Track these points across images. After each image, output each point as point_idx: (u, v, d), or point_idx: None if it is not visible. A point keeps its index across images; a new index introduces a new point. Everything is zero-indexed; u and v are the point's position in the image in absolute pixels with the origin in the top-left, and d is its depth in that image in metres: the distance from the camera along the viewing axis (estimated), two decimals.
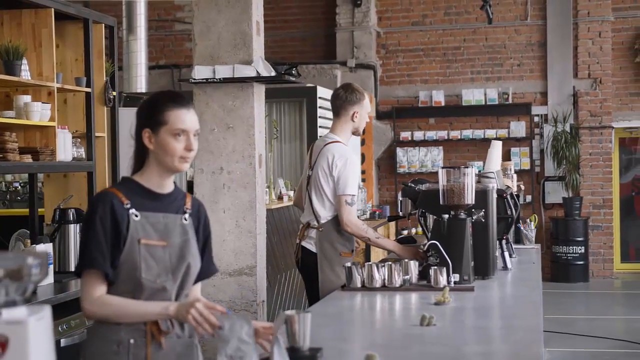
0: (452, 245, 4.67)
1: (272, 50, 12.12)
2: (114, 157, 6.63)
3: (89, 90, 6.20)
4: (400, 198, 5.55)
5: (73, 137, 6.09)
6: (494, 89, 13.78)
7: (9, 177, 9.63)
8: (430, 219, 5.25)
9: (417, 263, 4.73)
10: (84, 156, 6.19)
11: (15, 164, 5.44)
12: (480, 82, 13.96)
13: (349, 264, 4.68)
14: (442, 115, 13.97)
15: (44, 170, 6.00)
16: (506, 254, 5.48)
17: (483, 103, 13.77)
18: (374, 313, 4.27)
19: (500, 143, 6.26)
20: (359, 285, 4.59)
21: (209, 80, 6.02)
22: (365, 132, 10.31)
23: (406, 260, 4.74)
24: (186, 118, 3.04)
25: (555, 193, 13.63)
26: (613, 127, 13.63)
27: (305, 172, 5.60)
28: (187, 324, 2.98)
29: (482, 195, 4.92)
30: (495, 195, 5.14)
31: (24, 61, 5.60)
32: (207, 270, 3.22)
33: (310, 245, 5.37)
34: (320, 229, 5.32)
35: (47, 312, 1.93)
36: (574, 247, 13.18)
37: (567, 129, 13.38)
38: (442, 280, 4.52)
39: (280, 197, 8.93)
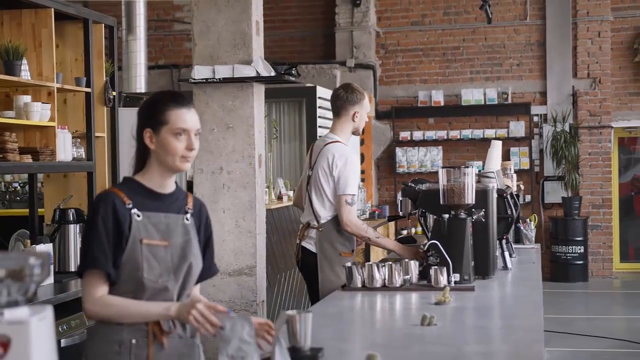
0: (452, 245, 4.67)
1: (271, 50, 12.12)
2: (114, 157, 6.63)
3: (88, 90, 6.20)
4: (400, 198, 5.55)
5: (73, 137, 6.09)
6: (493, 89, 13.79)
7: (8, 178, 9.63)
8: (431, 218, 5.26)
9: (417, 263, 4.73)
10: (83, 156, 6.19)
11: (15, 164, 5.44)
12: (479, 82, 13.96)
13: (349, 264, 4.68)
14: (441, 115, 13.97)
15: (44, 171, 6.00)
16: (506, 253, 5.48)
17: (482, 103, 13.77)
18: (374, 313, 4.27)
19: (500, 143, 6.26)
20: (359, 285, 4.59)
21: (209, 80, 6.02)
22: (364, 132, 10.33)
23: (406, 260, 4.74)
24: (187, 117, 3.04)
25: (554, 193, 13.64)
26: (612, 127, 13.63)
27: (305, 172, 5.60)
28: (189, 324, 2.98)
29: (482, 195, 4.93)
30: (495, 195, 5.14)
31: (24, 61, 5.60)
32: (209, 270, 3.22)
33: (310, 245, 5.37)
34: (320, 229, 5.32)
35: (49, 312, 1.93)
36: (573, 247, 13.18)
37: (567, 128, 13.38)
38: (443, 280, 4.52)
39: (279, 197, 8.93)
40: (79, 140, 6.20)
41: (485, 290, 4.65)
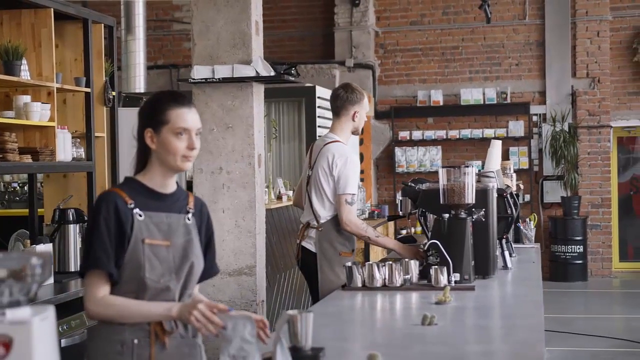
0: (452, 244, 4.67)
1: (270, 50, 12.12)
2: (114, 157, 6.62)
3: (88, 90, 6.20)
4: (400, 197, 5.55)
5: (73, 137, 6.09)
6: (492, 89, 13.79)
7: (7, 178, 9.63)
8: (431, 218, 5.26)
9: (417, 262, 4.73)
10: (83, 156, 6.19)
11: (15, 164, 5.44)
12: (478, 82, 13.96)
13: (349, 264, 4.68)
14: (440, 114, 13.97)
15: (44, 171, 6.00)
16: (506, 253, 5.48)
17: (481, 102, 13.77)
18: (374, 313, 4.27)
19: (500, 142, 6.26)
20: (359, 284, 4.59)
21: (208, 80, 6.02)
22: (363, 131, 10.32)
23: (407, 259, 4.74)
24: (188, 117, 3.04)
25: (553, 192, 13.64)
26: (611, 126, 13.63)
27: (304, 172, 5.60)
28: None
29: (482, 194, 4.93)
30: (495, 195, 5.14)
31: (24, 61, 5.60)
32: (210, 270, 3.23)
33: (310, 245, 5.37)
34: (320, 229, 5.32)
35: (50, 312, 1.93)
36: (573, 247, 13.18)
37: (566, 128, 13.38)
38: (443, 279, 4.52)
39: (279, 197, 8.93)
40: (78, 140, 6.20)
41: (486, 290, 4.66)
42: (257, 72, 5.97)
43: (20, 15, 5.81)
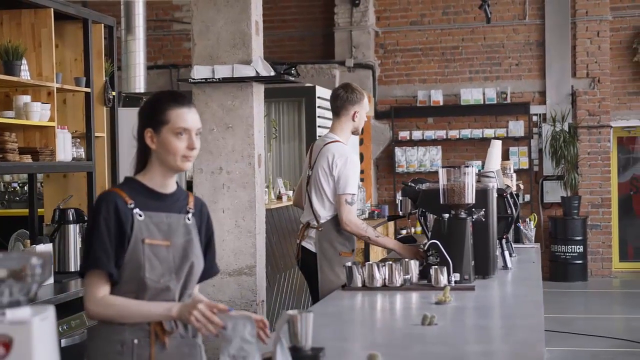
0: (452, 244, 4.67)
1: (270, 50, 12.11)
2: (114, 157, 6.62)
3: (88, 90, 6.20)
4: (400, 197, 5.54)
5: (73, 137, 6.09)
6: (492, 89, 13.79)
7: (7, 178, 9.63)
8: (431, 218, 5.26)
9: (417, 262, 4.73)
10: (83, 156, 6.19)
11: (15, 164, 5.44)
12: (478, 82, 13.96)
13: (349, 264, 4.68)
14: (440, 114, 13.97)
15: (44, 171, 6.00)
16: (506, 253, 5.48)
17: (481, 102, 13.77)
18: (374, 313, 4.26)
19: (500, 142, 6.26)
20: (359, 284, 4.59)
21: (208, 80, 6.02)
22: (363, 131, 10.31)
23: (407, 259, 4.74)
24: (188, 117, 3.04)
25: (553, 192, 13.64)
26: (611, 126, 13.63)
27: (304, 172, 5.60)
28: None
29: (482, 194, 4.93)
30: (495, 195, 5.14)
31: (24, 61, 5.60)
32: (210, 270, 3.23)
33: (310, 245, 5.37)
34: (320, 229, 5.32)
35: (50, 312, 1.93)
36: (573, 247, 13.18)
37: (566, 128, 13.38)
38: (443, 279, 4.52)
39: (279, 197, 8.92)
40: (78, 140, 6.20)
41: (486, 290, 4.66)
42: (257, 72, 5.97)
43: (20, 15, 5.81)
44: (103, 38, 6.58)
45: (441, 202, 4.78)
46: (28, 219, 6.15)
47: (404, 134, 13.93)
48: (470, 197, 4.75)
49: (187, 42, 14.32)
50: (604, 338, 9.09)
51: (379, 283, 4.56)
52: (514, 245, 6.12)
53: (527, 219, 7.20)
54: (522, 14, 13.85)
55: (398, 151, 13.94)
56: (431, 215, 5.23)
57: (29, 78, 5.67)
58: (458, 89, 13.90)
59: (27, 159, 5.54)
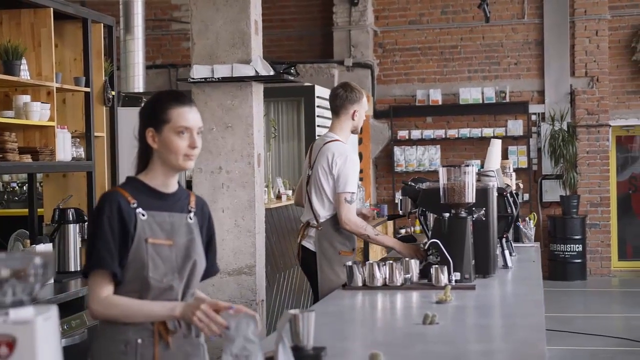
0: (453, 243, 4.67)
1: (269, 49, 12.10)
2: (113, 156, 6.62)
3: (88, 90, 6.20)
4: (400, 197, 5.54)
5: (72, 137, 6.09)
6: (491, 88, 13.79)
7: (6, 177, 9.62)
8: (431, 217, 5.25)
9: (417, 262, 4.72)
10: (83, 156, 6.18)
11: (15, 164, 5.43)
12: (477, 81, 13.97)
13: (349, 263, 4.68)
14: (439, 114, 13.97)
15: (44, 170, 5.99)
16: (506, 252, 5.48)
17: (480, 102, 13.78)
18: (375, 312, 4.26)
19: (499, 141, 6.26)
20: (359, 284, 4.59)
21: (208, 79, 6.02)
22: (362, 131, 10.31)
23: (407, 259, 4.74)
24: (189, 116, 3.05)
25: (552, 191, 13.64)
26: (610, 125, 13.64)
27: (305, 171, 5.60)
28: None
29: (482, 193, 4.92)
30: (495, 194, 5.14)
31: (23, 61, 5.60)
32: (211, 269, 3.23)
33: (310, 244, 5.37)
34: (320, 228, 5.31)
35: (53, 312, 1.93)
36: (572, 246, 13.18)
37: (565, 127, 13.38)
38: (443, 278, 4.52)
39: (278, 197, 8.92)
40: (78, 140, 6.20)
41: (486, 289, 4.66)
42: (256, 71, 5.97)
43: (19, 15, 5.81)
44: (102, 38, 6.58)
45: (441, 201, 4.78)
46: (28, 218, 6.14)
47: (402, 134, 13.93)
48: (470, 196, 4.75)
49: (185, 42, 14.32)
50: (603, 337, 9.10)
51: (379, 282, 4.56)
52: (513, 245, 6.12)
53: (527, 218, 7.21)
54: (520, 13, 13.86)
55: (397, 150, 13.94)
56: (431, 214, 5.23)
57: (29, 78, 5.66)
58: (457, 88, 13.91)
59: (27, 158, 5.53)
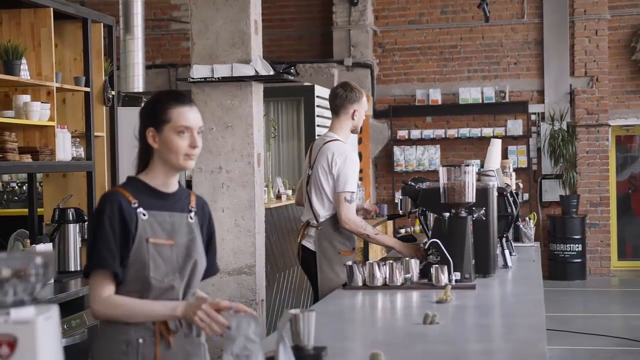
0: (453, 243, 4.67)
1: (268, 49, 12.09)
2: (113, 156, 6.62)
3: (88, 89, 6.20)
4: (400, 196, 5.54)
5: (72, 137, 6.09)
6: (490, 88, 13.79)
7: (6, 177, 9.62)
8: (431, 217, 5.25)
9: (418, 261, 4.72)
10: (83, 156, 6.18)
11: (15, 164, 5.43)
12: (477, 81, 13.97)
13: (349, 263, 4.68)
14: (439, 113, 13.97)
15: (44, 170, 5.99)
16: (506, 252, 5.48)
17: (480, 101, 13.78)
18: (375, 312, 4.26)
19: (499, 141, 6.26)
20: (360, 283, 4.59)
21: (208, 79, 6.02)
22: (362, 130, 10.32)
23: (407, 258, 4.74)
24: (189, 115, 3.05)
25: (552, 191, 13.64)
26: (610, 125, 13.64)
27: (305, 171, 5.60)
28: None
29: (482, 193, 4.92)
30: (495, 193, 5.14)
31: (23, 61, 5.60)
32: (211, 269, 3.23)
33: (310, 244, 5.37)
34: (319, 228, 5.31)
35: (54, 311, 1.93)
36: (571, 245, 13.19)
37: (564, 127, 13.39)
38: (444, 278, 4.52)
39: (278, 196, 8.92)
40: (78, 139, 6.19)
41: (486, 289, 4.65)
42: (256, 71, 5.96)
43: (19, 15, 5.81)
44: (102, 37, 6.58)
45: (441, 201, 4.78)
46: (28, 218, 6.14)
47: (402, 133, 13.93)
48: (470, 196, 4.75)
49: (185, 42, 14.32)
50: (603, 337, 9.10)
51: (379, 282, 4.56)
52: (513, 244, 6.12)
53: (527, 218, 7.21)
54: (520, 12, 13.86)
55: (397, 150, 13.94)
56: (431, 214, 5.23)
57: (29, 78, 5.66)
58: (456, 88, 13.91)
59: (27, 158, 5.53)
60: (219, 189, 6.08)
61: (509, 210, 5.53)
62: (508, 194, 5.52)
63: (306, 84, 11.07)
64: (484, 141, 12.76)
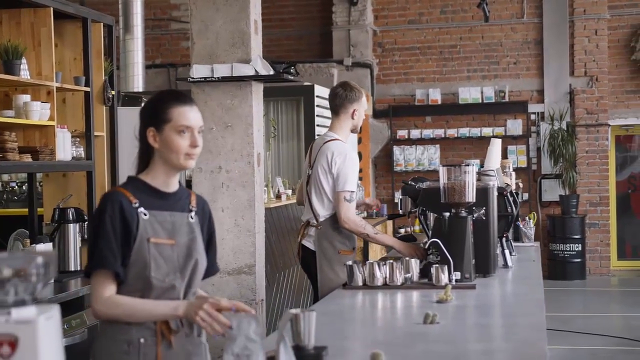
0: (453, 243, 4.67)
1: (268, 49, 12.09)
2: (113, 156, 6.62)
3: (88, 89, 6.20)
4: (400, 196, 5.54)
5: (72, 137, 6.09)
6: (490, 87, 13.79)
7: (5, 177, 9.62)
8: (431, 217, 5.25)
9: (418, 261, 4.72)
10: (83, 155, 6.18)
11: (15, 164, 5.43)
12: (476, 80, 13.97)
13: (349, 262, 4.68)
14: (438, 113, 13.98)
15: (44, 170, 5.99)
16: (507, 251, 5.48)
17: (480, 101, 13.78)
18: (375, 311, 4.26)
19: (499, 141, 6.25)
20: (360, 283, 4.59)
21: (207, 79, 6.01)
22: (362, 130, 10.32)
23: (407, 258, 4.74)
24: (190, 115, 3.05)
25: (552, 191, 13.64)
26: (609, 125, 13.64)
27: (305, 171, 5.60)
28: None
29: (482, 193, 4.92)
30: (495, 193, 5.14)
31: (23, 60, 5.60)
32: (211, 268, 3.23)
33: (310, 243, 5.37)
34: (319, 227, 5.31)
35: (55, 311, 1.93)
36: (571, 245, 13.19)
37: (564, 126, 13.39)
38: (444, 278, 4.52)
39: (278, 196, 8.92)
40: (78, 139, 6.19)
41: (487, 289, 4.66)
42: (256, 71, 5.96)
43: (19, 15, 5.81)
44: (102, 37, 6.58)
45: (441, 200, 4.78)
46: (27, 218, 6.14)
47: (402, 133, 13.93)
48: (470, 196, 4.75)
49: (185, 41, 14.31)
50: (603, 336, 9.10)
51: (379, 282, 4.56)
52: (513, 244, 6.12)
53: (527, 218, 7.21)
54: (520, 12, 13.86)
55: (396, 150, 13.94)
56: (431, 213, 5.23)
57: (29, 77, 5.66)
58: (456, 87, 13.91)
59: (27, 158, 5.53)
60: (219, 188, 6.08)
61: (509, 210, 5.53)
62: (508, 194, 5.52)
63: (306, 83, 11.07)
64: (484, 141, 12.76)
